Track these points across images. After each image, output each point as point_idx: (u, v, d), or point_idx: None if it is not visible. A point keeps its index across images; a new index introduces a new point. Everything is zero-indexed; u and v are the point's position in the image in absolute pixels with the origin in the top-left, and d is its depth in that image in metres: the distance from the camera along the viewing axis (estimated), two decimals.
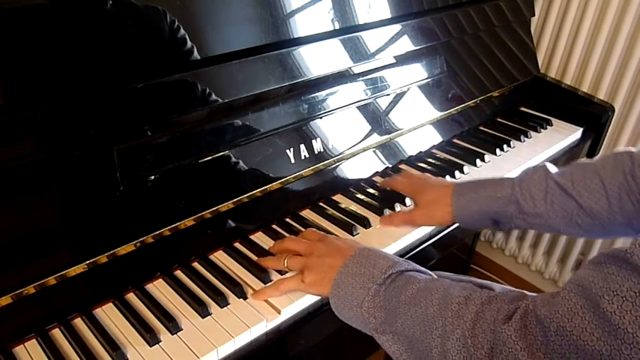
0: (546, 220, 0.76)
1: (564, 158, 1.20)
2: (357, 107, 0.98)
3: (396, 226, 0.87)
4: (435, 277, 0.67)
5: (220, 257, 0.80)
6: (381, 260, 0.67)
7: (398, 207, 0.92)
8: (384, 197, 0.94)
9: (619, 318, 0.45)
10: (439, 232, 0.91)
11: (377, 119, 1.01)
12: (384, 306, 0.63)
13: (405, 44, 1.04)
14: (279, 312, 0.71)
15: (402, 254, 0.86)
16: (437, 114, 1.13)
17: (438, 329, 0.58)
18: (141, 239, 0.72)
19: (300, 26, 0.87)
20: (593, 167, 0.74)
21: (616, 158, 0.73)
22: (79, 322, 0.69)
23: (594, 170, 0.74)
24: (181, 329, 0.68)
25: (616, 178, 0.72)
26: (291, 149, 0.87)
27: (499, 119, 1.28)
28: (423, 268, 0.68)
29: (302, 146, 0.89)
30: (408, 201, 0.93)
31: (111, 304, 0.72)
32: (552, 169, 0.79)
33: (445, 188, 0.83)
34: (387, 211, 0.90)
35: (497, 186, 0.79)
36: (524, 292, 0.60)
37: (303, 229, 0.86)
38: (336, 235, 0.84)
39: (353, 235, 0.85)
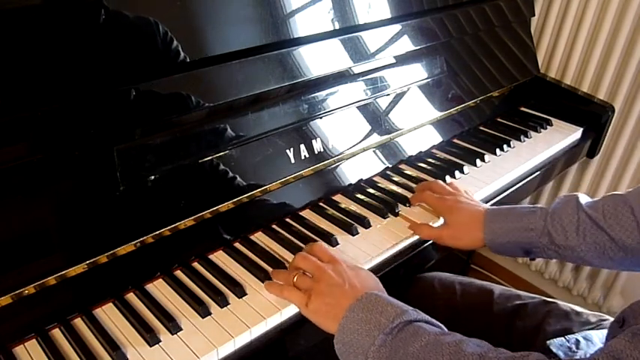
0: (578, 253, 0.76)
1: (564, 158, 1.20)
2: (357, 107, 0.98)
3: (423, 238, 0.87)
4: (445, 329, 0.65)
5: (220, 257, 0.80)
6: (389, 308, 0.64)
7: (398, 207, 0.92)
8: (384, 197, 0.95)
9: None
10: None
11: (377, 119, 1.01)
12: (390, 357, 0.61)
13: (405, 44, 1.04)
14: (279, 312, 0.71)
15: (403, 254, 0.86)
16: (437, 114, 1.13)
17: None
18: (141, 239, 0.72)
19: (300, 26, 0.86)
20: (625, 200, 0.74)
21: None
22: (79, 322, 0.69)
23: (626, 203, 0.74)
24: (181, 329, 0.68)
25: None
26: (291, 149, 0.87)
27: (499, 119, 1.28)
28: (433, 320, 0.66)
29: (302, 146, 0.89)
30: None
31: (111, 304, 0.72)
32: (584, 199, 0.79)
33: (477, 213, 0.84)
34: (387, 212, 0.90)
35: (529, 217, 0.79)
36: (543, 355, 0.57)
37: (303, 229, 0.86)
38: (335, 235, 0.84)
39: (353, 235, 0.85)
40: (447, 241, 0.86)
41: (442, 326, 0.65)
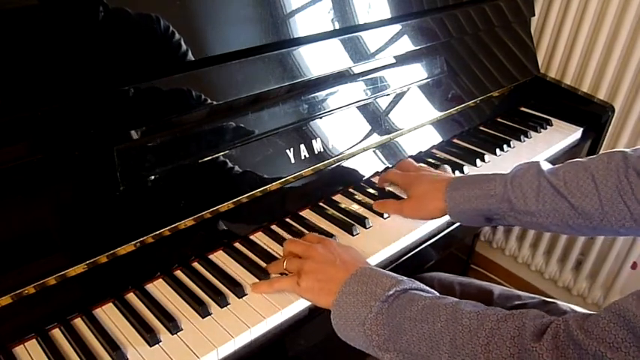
0: (537, 219, 0.76)
1: (564, 158, 1.20)
2: (357, 107, 0.98)
3: (388, 213, 0.89)
4: (440, 295, 0.65)
5: (220, 257, 0.80)
6: (384, 278, 0.65)
7: None
8: (383, 197, 0.94)
9: None
10: (439, 232, 0.91)
11: (377, 119, 1.01)
12: (387, 323, 0.61)
13: (405, 44, 1.04)
14: (279, 312, 0.71)
15: (402, 254, 0.86)
16: (437, 114, 1.13)
17: (446, 344, 0.57)
18: (141, 239, 0.72)
19: (300, 26, 0.87)
20: (586, 167, 0.74)
21: (609, 159, 0.73)
22: (79, 322, 0.69)
23: (587, 170, 0.74)
24: (181, 329, 0.68)
25: (609, 179, 0.71)
26: (291, 149, 0.87)
27: (499, 119, 1.28)
28: (428, 288, 0.66)
29: (302, 146, 0.89)
30: None
31: (111, 304, 0.72)
32: (545, 166, 0.79)
33: (439, 183, 0.84)
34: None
35: (490, 183, 0.79)
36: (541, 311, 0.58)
37: (303, 229, 0.86)
38: (335, 235, 0.84)
39: (353, 235, 0.85)
40: (408, 212, 0.87)
41: (437, 294, 0.66)
